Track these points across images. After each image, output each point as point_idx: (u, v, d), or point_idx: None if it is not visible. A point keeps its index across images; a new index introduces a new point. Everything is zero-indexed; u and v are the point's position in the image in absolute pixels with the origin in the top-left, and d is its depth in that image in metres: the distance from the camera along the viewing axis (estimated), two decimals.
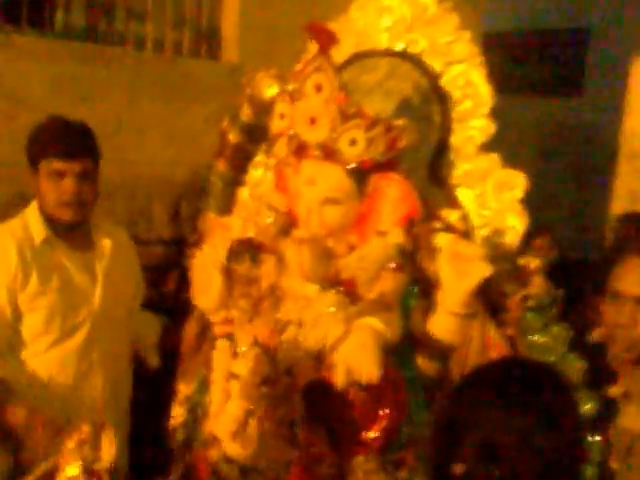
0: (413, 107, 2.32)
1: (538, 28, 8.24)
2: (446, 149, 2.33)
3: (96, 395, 2.59)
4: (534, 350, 2.12)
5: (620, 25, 7.64)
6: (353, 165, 2.04)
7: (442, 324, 2.07)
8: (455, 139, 2.32)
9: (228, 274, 2.16)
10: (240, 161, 2.53)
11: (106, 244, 2.65)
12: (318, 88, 2.03)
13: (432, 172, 2.33)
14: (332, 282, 2.05)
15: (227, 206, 2.49)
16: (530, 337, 2.11)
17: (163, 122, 4.05)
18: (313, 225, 2.08)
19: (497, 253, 2.21)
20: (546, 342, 2.11)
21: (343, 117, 2.02)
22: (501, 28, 6.89)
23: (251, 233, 2.22)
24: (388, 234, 2.10)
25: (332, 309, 2.00)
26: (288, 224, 2.17)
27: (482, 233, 2.27)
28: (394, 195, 2.11)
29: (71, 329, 2.53)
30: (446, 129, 2.32)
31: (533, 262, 2.19)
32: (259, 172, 2.49)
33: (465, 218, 2.27)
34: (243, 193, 2.45)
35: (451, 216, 2.17)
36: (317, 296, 2.04)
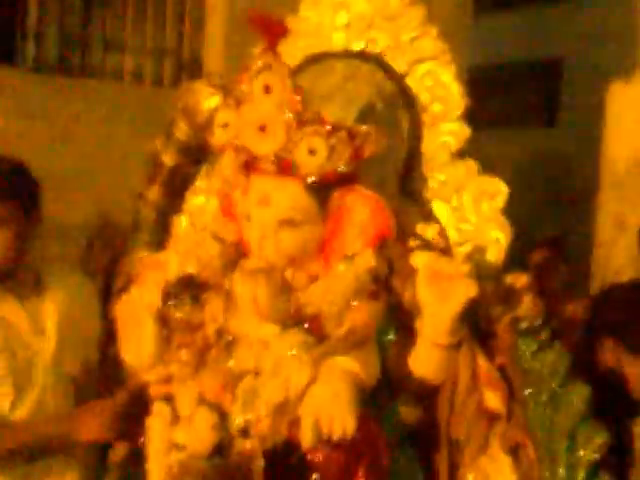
0: (377, 113, 2.06)
1: (509, 61, 8.16)
2: (417, 158, 2.07)
3: None
4: (530, 378, 1.84)
5: (593, 54, 7.58)
6: (313, 178, 1.77)
7: (424, 358, 1.81)
8: (426, 147, 2.06)
9: (164, 321, 1.85)
10: (176, 187, 2.25)
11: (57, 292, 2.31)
12: (267, 89, 1.77)
13: (403, 185, 2.08)
14: (294, 320, 1.77)
15: (161, 240, 2.19)
16: (524, 364, 1.83)
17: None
18: (268, 253, 1.81)
19: (480, 272, 1.94)
20: (542, 368, 1.82)
21: (299, 123, 1.77)
22: (472, 62, 6.76)
23: (191, 269, 1.90)
24: (357, 258, 1.82)
25: (294, 351, 1.71)
26: (237, 256, 1.88)
27: (462, 250, 2.00)
28: (362, 212, 1.83)
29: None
30: (416, 136, 2.07)
31: (520, 279, 1.92)
32: (200, 199, 2.21)
33: (443, 233, 2.00)
34: (180, 222, 2.16)
35: (428, 232, 1.91)
36: (276, 338, 1.75)
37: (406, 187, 2.07)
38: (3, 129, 3.41)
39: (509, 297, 1.91)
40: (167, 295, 1.86)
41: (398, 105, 2.07)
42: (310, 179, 1.78)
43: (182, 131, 2.23)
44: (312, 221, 1.82)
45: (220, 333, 1.83)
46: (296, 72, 2.14)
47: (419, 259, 1.80)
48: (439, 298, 1.75)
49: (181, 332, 1.85)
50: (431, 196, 2.05)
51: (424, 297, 1.77)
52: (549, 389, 1.79)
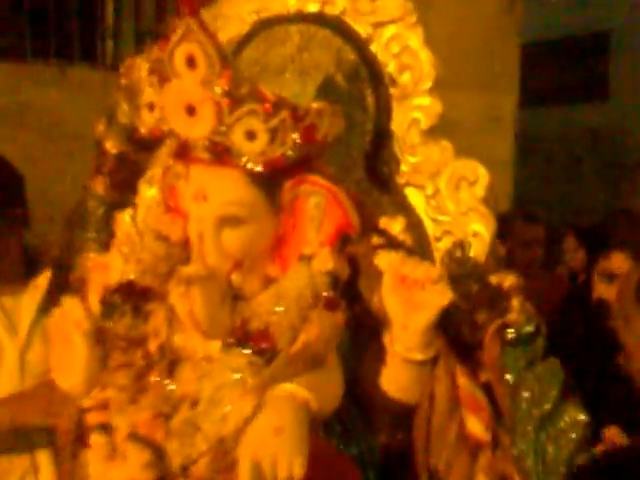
0: (338, 87, 1.77)
1: (559, 36, 7.98)
2: (386, 138, 1.78)
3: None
4: (519, 398, 1.55)
5: None
6: (255, 167, 1.49)
7: (394, 376, 1.54)
8: (396, 125, 1.76)
9: (101, 337, 1.58)
10: (125, 177, 1.96)
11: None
12: (190, 63, 1.47)
13: (371, 170, 1.78)
14: (238, 335, 1.49)
15: (110, 239, 1.91)
16: (513, 381, 1.55)
17: None
18: (208, 256, 1.53)
19: (462, 271, 1.65)
20: (533, 386, 1.53)
21: (232, 101, 1.47)
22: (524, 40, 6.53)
23: (133, 274, 1.62)
24: (313, 259, 1.54)
25: (237, 375, 1.44)
26: (184, 259, 1.60)
27: (440, 246, 1.71)
28: (317, 205, 1.56)
29: None
30: (383, 112, 1.77)
31: (507, 279, 1.63)
32: (153, 191, 1.91)
33: (416, 227, 1.71)
34: (123, 219, 1.87)
35: (393, 226, 1.62)
36: (217, 358, 1.49)
37: (375, 172, 1.77)
38: (84, 126, 3.30)
39: (495, 300, 1.62)
40: (105, 306, 1.60)
41: (362, 77, 1.77)
42: (250, 167, 1.50)
43: (125, 113, 1.94)
44: (260, 217, 1.55)
45: (163, 351, 1.56)
46: (245, 41, 1.87)
47: (383, 261, 1.52)
48: (407, 307, 1.48)
49: (119, 350, 1.58)
50: (404, 182, 1.76)
51: (390, 306, 1.50)
52: (541, 411, 1.50)
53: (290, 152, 1.49)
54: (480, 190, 1.68)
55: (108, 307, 1.59)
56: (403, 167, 1.75)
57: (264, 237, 1.56)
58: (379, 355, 1.55)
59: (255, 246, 1.55)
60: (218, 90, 1.46)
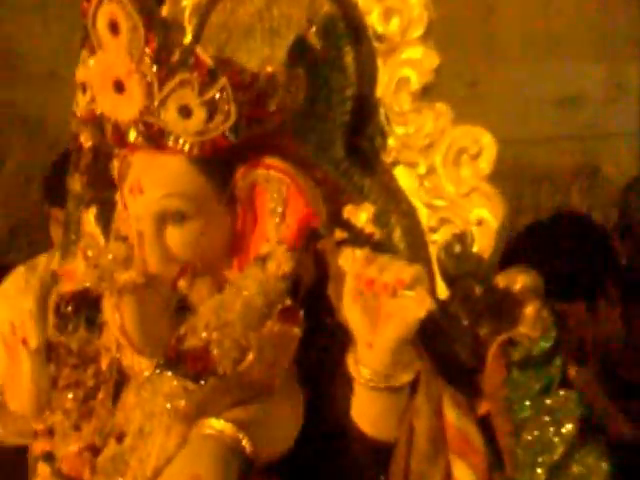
0: (311, 47, 1.42)
1: None
2: (371, 107, 1.41)
3: None
4: (528, 437, 1.17)
5: None
6: (194, 151, 1.22)
7: (361, 407, 1.20)
8: (382, 88, 1.40)
9: (54, 353, 1.40)
10: (102, 173, 1.66)
11: None
12: (113, 28, 1.21)
13: (352, 149, 1.43)
14: (171, 356, 1.21)
15: None
16: (520, 414, 1.17)
17: None
18: (150, 259, 1.26)
19: (461, 270, 1.29)
20: (547, 422, 1.15)
21: (162, 72, 1.20)
22: None
23: (90, 281, 1.35)
24: (267, 260, 1.24)
25: (169, 404, 1.17)
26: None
27: (437, 238, 1.35)
28: (278, 194, 1.26)
29: None
30: (365, 74, 1.42)
31: (520, 279, 1.25)
32: None
33: (408, 215, 1.36)
34: (87, 219, 1.59)
35: (358, 216, 1.27)
36: (150, 382, 1.22)
37: (356, 150, 1.42)
38: None
39: (502, 307, 1.24)
40: (57, 318, 1.41)
41: (338, 31, 1.42)
42: (189, 151, 1.22)
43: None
44: (209, 211, 1.27)
45: (112, 368, 1.34)
46: (212, 2, 1.55)
47: (345, 260, 1.19)
48: (372, 320, 1.15)
49: (70, 367, 1.37)
50: (392, 160, 1.40)
51: (352, 318, 1.18)
52: (551, 457, 1.12)
53: (234, 129, 1.20)
54: (485, 164, 1.30)
55: (61, 319, 1.39)
56: (390, 141, 1.39)
57: (217, 235, 1.28)
58: (348, 379, 1.21)
59: (206, 246, 1.27)
60: (146, 60, 1.19)
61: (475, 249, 1.30)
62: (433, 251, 1.34)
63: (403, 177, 1.38)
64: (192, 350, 1.19)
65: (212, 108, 1.19)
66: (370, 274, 1.14)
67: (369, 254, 1.17)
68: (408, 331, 1.13)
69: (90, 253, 1.40)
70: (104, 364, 1.35)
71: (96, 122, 1.36)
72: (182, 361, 1.19)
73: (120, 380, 1.32)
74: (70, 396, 1.34)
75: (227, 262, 1.29)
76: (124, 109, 1.22)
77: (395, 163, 1.38)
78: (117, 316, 1.24)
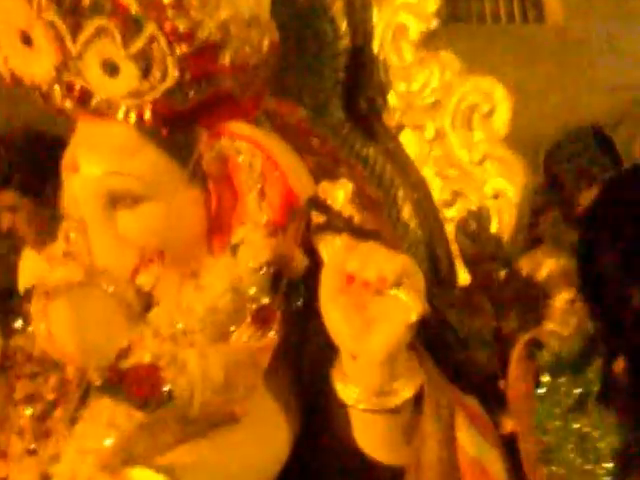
0: None
1: None
2: (366, 62, 1.20)
3: None
4: (560, 462, 0.97)
5: None
6: (131, 119, 0.99)
7: (356, 429, 1.00)
8: (378, 39, 1.18)
9: (8, 361, 1.14)
10: None
11: None
12: None
13: (350, 110, 1.21)
14: (111, 375, 0.99)
15: None
16: (546, 437, 0.96)
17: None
18: (95, 252, 1.04)
19: (478, 252, 1.07)
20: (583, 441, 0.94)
21: (71, 19, 0.97)
22: None
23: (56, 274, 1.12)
24: (241, 249, 1.02)
25: (109, 440, 0.96)
26: None
27: (450, 215, 1.14)
28: (253, 167, 1.03)
29: None
30: (359, 23, 1.19)
31: (547, 263, 1.03)
32: None
33: (417, 188, 1.15)
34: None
35: (334, 195, 1.05)
36: (90, 407, 1.01)
37: (357, 112, 1.20)
38: None
39: (527, 299, 1.03)
40: (13, 317, 1.15)
41: None
42: (122, 118, 1.00)
43: None
44: (170, 190, 1.03)
45: (80, 378, 1.08)
46: None
47: (323, 250, 1.00)
48: (355, 325, 0.93)
49: (28, 377, 1.13)
50: (396, 123, 1.18)
51: (331, 323, 0.95)
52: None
53: (177, 90, 0.97)
54: (500, 124, 1.08)
55: (17, 319, 1.14)
56: (393, 101, 1.18)
57: (187, 217, 1.05)
58: None
59: (174, 231, 1.04)
60: (48, 4, 0.96)
61: (493, 227, 1.07)
62: (449, 230, 1.12)
63: (410, 143, 1.17)
64: (132, 368, 0.97)
65: (144, 63, 0.96)
66: (349, 268, 0.93)
67: (348, 242, 0.95)
68: (398, 339, 0.92)
69: (73, 236, 1.22)
70: (69, 373, 1.09)
71: None
72: (122, 383, 0.97)
73: (85, 394, 1.07)
74: (27, 412, 1.11)
75: (204, 248, 1.06)
76: (36, 67, 1.00)
77: (400, 127, 1.17)
78: (42, 324, 1.02)
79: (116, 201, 1.02)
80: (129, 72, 0.96)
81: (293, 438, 1.01)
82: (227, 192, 1.04)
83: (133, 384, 0.95)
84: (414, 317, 0.89)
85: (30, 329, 1.12)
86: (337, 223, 1.00)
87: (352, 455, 1.01)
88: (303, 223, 1.04)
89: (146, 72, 0.96)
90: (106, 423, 0.96)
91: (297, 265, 1.03)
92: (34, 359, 1.12)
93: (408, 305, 0.89)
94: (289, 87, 1.19)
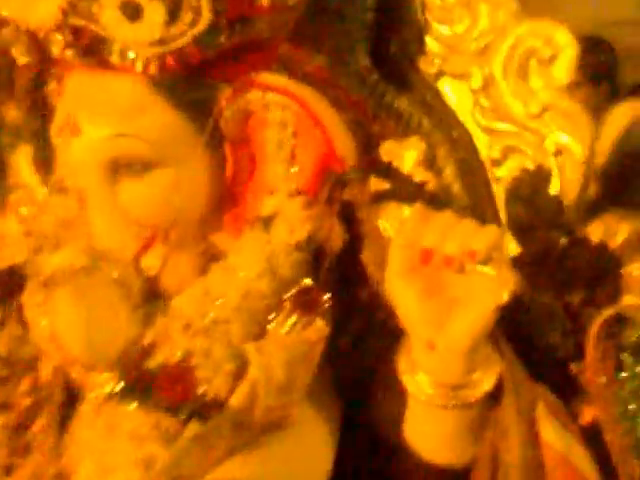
0: None
1: None
2: (400, 3, 1.04)
3: None
4: None
5: None
6: (154, 70, 0.86)
7: (417, 426, 0.88)
8: None
9: None
10: (45, 100, 1.29)
11: None
12: None
13: (379, 57, 1.05)
14: (135, 377, 0.87)
15: None
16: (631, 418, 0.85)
17: None
18: (96, 230, 0.91)
19: (535, 218, 0.97)
20: None
21: None
22: None
23: (20, 255, 1.01)
24: (275, 222, 0.90)
25: (137, 454, 0.84)
26: None
27: (502, 174, 1.00)
28: (284, 125, 0.91)
29: None
30: None
31: (622, 230, 0.92)
32: None
33: (460, 145, 1.01)
34: (18, 163, 1.20)
35: (403, 157, 0.93)
36: (107, 413, 0.87)
37: (385, 58, 1.05)
38: None
39: (598, 269, 0.92)
40: None
41: None
42: (147, 70, 0.87)
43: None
44: (183, 155, 0.91)
45: (57, 381, 0.97)
46: None
47: (388, 222, 0.89)
48: (433, 309, 0.82)
49: None
50: (435, 71, 1.04)
51: (402, 307, 0.84)
52: None
53: (209, 35, 0.85)
54: (563, 72, 0.96)
55: None
56: (432, 46, 1.03)
57: (197, 188, 0.93)
58: (397, 384, 0.88)
59: (182, 205, 0.92)
60: None
61: (554, 188, 0.95)
62: (498, 192, 0.99)
63: (451, 93, 1.03)
64: (163, 368, 0.86)
65: (172, 4, 0.83)
66: (427, 242, 0.81)
67: (423, 213, 0.83)
68: (484, 323, 0.81)
69: (25, 211, 1.07)
70: (45, 374, 0.97)
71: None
72: (150, 385, 0.85)
73: (69, 398, 0.97)
74: None
75: (214, 224, 0.94)
76: (39, 8, 0.87)
77: (440, 75, 1.03)
78: (44, 320, 0.90)
79: (121, 169, 0.89)
80: (154, 15, 0.83)
81: (336, 445, 0.91)
82: (244, 157, 0.92)
83: (163, 386, 0.84)
84: (506, 296, 0.78)
85: None
86: (405, 190, 0.86)
87: (394, 457, 0.90)
88: (345, 191, 0.92)
89: (174, 15, 0.83)
90: (129, 434, 0.83)
91: (336, 240, 0.91)
92: (1, 359, 0.98)
93: (499, 283, 0.77)
94: (303, 30, 1.03)
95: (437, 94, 1.04)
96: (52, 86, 1.05)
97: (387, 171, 0.92)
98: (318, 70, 0.98)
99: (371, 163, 0.93)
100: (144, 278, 0.92)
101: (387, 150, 0.93)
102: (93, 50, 0.86)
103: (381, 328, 0.93)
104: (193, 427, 0.81)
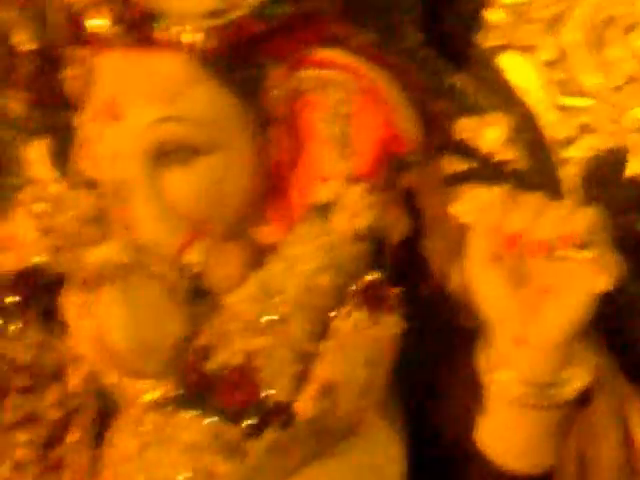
0: None
1: None
2: None
3: None
4: None
5: None
6: (208, 44, 0.80)
7: (497, 428, 0.79)
8: None
9: None
10: (52, 89, 1.19)
11: None
12: None
13: (433, 31, 0.97)
14: (193, 382, 0.79)
15: None
16: None
17: None
18: (141, 223, 0.83)
19: (614, 202, 0.87)
20: None
21: None
22: None
23: (41, 255, 0.89)
24: (335, 209, 0.83)
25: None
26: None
27: (572, 154, 0.91)
28: (341, 104, 0.84)
29: None
30: None
31: None
32: None
33: (524, 124, 0.92)
34: (32, 156, 1.11)
35: (484, 134, 0.87)
36: (162, 422, 0.80)
37: (440, 32, 0.98)
38: None
39: None
40: None
41: None
42: (197, 44, 0.80)
43: None
44: (229, 140, 0.84)
45: (88, 390, 0.88)
46: None
47: (467, 206, 0.78)
48: (522, 300, 0.74)
49: (19, 393, 0.90)
50: (497, 44, 0.94)
51: (486, 298, 0.76)
52: None
53: (266, 5, 0.80)
54: None
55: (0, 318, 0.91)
56: (493, 17, 0.94)
57: (242, 177, 0.85)
58: (471, 384, 0.80)
59: (227, 195, 0.85)
60: None
61: (633, 169, 0.87)
62: (570, 175, 0.90)
63: (515, 68, 0.94)
64: (225, 371, 0.78)
65: None
66: (514, 227, 0.73)
67: (509, 194, 0.75)
68: (583, 312, 0.74)
69: (39, 208, 0.96)
70: (74, 383, 0.89)
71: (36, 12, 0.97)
72: (211, 390, 0.78)
73: (104, 409, 0.89)
74: (23, 439, 0.89)
75: (256, 216, 0.87)
76: None
77: (501, 49, 0.95)
78: (88, 321, 0.81)
79: (166, 157, 0.82)
80: None
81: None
82: (290, 141, 0.85)
83: (223, 391, 0.77)
84: (608, 283, 0.69)
85: (14, 329, 0.89)
86: (485, 171, 0.78)
87: (461, 465, 0.83)
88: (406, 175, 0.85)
89: None
90: (186, 445, 0.76)
91: (399, 229, 0.84)
92: (23, 369, 0.90)
93: (600, 267, 0.68)
94: (350, 6, 0.95)
95: (498, 70, 0.95)
96: (70, 72, 0.97)
97: (460, 150, 0.83)
98: (369, 47, 0.90)
99: (433, 144, 0.84)
100: (189, 275, 0.84)
101: (464, 127, 0.86)
102: (139, 25, 0.80)
103: (444, 326, 0.85)
104: (268, 436, 0.74)
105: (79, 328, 0.81)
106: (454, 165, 0.83)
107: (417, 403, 0.85)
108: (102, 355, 0.80)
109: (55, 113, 1.20)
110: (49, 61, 1.19)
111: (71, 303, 0.82)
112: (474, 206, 0.77)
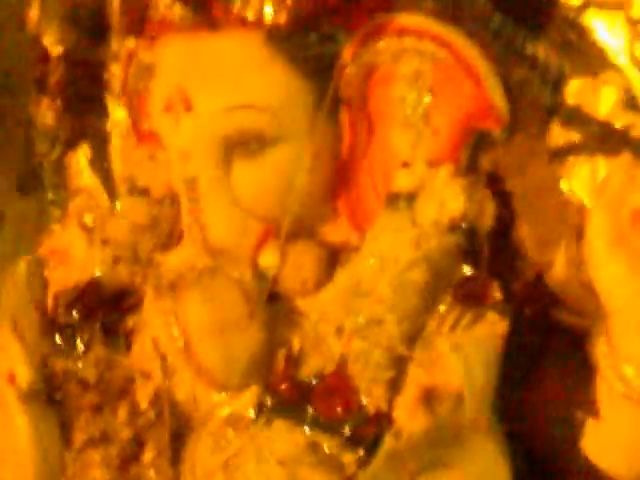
0: None
1: None
2: None
3: None
4: None
5: None
6: (282, 18, 0.74)
7: (615, 429, 0.72)
8: None
9: (55, 392, 0.87)
10: (83, 92, 1.11)
11: None
12: None
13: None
14: (285, 391, 0.75)
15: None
16: None
17: None
18: (213, 224, 0.78)
19: None
20: None
21: None
22: None
23: (99, 269, 0.89)
24: (421, 194, 0.76)
25: None
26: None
27: None
28: (421, 76, 0.77)
29: None
30: None
31: None
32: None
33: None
34: (77, 164, 1.08)
35: (596, 99, 0.78)
36: (250, 436, 0.76)
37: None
38: None
39: None
40: (56, 333, 0.88)
41: None
42: (272, 20, 0.74)
43: None
44: (301, 128, 0.78)
45: (160, 405, 0.83)
46: None
47: (574, 182, 0.76)
48: None
49: (88, 412, 0.86)
50: (580, 3, 0.86)
51: (607, 284, 0.69)
52: None
53: None
54: None
55: (62, 335, 0.88)
56: None
57: (312, 167, 0.79)
58: (577, 386, 0.74)
59: (296, 188, 0.78)
60: None
61: None
62: None
63: (602, 29, 0.86)
64: (320, 378, 0.74)
65: None
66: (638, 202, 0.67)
67: (632, 164, 0.68)
68: None
69: (89, 220, 0.94)
70: (143, 399, 0.84)
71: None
72: (305, 399, 0.73)
73: (177, 425, 0.83)
74: (97, 458, 0.85)
75: (326, 211, 0.82)
76: None
77: (585, 6, 0.86)
78: (175, 329, 0.77)
79: (237, 149, 0.77)
80: None
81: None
82: (362, 123, 0.79)
83: (319, 400, 0.72)
84: None
85: (78, 346, 0.86)
86: (598, 140, 0.71)
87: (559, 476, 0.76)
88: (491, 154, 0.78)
89: None
90: (279, 459, 0.72)
91: (488, 217, 0.76)
92: (90, 386, 0.86)
93: None
94: None
95: (582, 31, 0.87)
96: (115, 70, 0.97)
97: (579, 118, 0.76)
98: (437, 14, 0.83)
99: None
100: (264, 278, 0.79)
101: (574, 92, 0.78)
102: (203, 4, 0.74)
103: (537, 323, 0.78)
104: (387, 445, 0.69)
105: (167, 336, 0.78)
106: (564, 135, 0.75)
107: (514, 410, 0.77)
108: (188, 363, 0.77)
109: (84, 119, 1.14)
110: (77, 65, 1.14)
111: (156, 310, 0.79)
112: (584, 181, 0.70)
